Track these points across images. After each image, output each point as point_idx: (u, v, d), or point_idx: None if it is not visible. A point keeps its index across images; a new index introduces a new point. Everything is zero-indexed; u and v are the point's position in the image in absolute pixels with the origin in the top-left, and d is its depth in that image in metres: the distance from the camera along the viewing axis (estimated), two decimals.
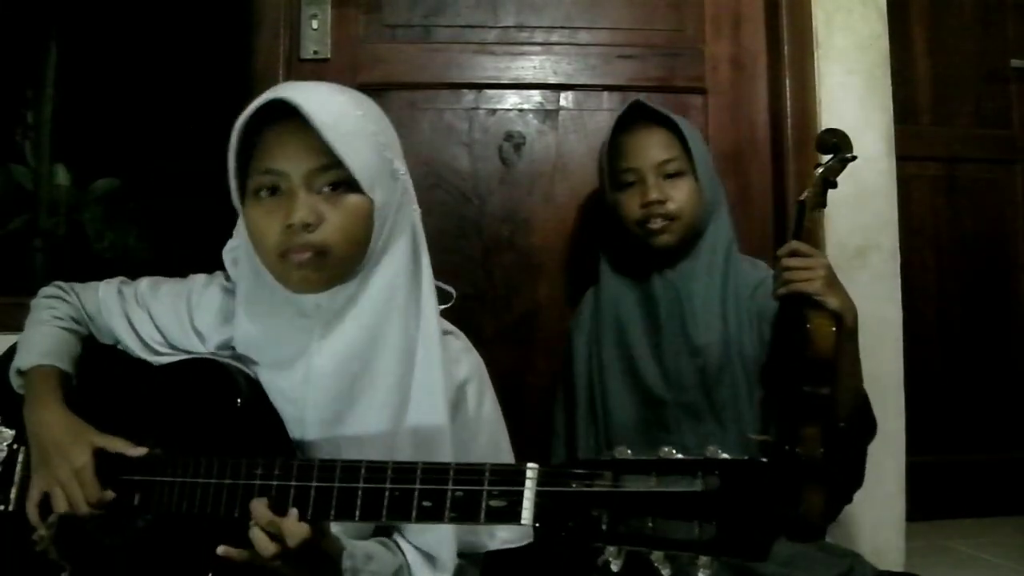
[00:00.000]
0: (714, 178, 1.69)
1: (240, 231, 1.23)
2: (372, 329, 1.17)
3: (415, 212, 1.24)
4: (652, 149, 1.65)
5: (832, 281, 1.47)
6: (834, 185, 1.57)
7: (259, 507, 0.99)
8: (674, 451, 0.80)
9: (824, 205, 1.57)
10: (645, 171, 1.64)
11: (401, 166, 1.21)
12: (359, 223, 1.14)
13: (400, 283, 1.19)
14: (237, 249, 1.26)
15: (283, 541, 0.97)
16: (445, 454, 1.15)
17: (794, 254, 1.49)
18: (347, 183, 1.12)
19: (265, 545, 0.98)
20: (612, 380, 1.67)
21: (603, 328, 1.71)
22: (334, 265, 1.14)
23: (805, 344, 1.43)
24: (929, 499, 2.39)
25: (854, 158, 1.57)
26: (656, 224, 1.62)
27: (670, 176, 1.64)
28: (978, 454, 2.70)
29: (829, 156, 1.57)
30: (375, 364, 1.17)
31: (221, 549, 1.01)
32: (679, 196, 1.62)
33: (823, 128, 1.69)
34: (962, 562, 2.25)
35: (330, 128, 1.09)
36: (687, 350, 1.61)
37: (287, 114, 1.10)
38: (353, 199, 1.13)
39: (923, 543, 2.26)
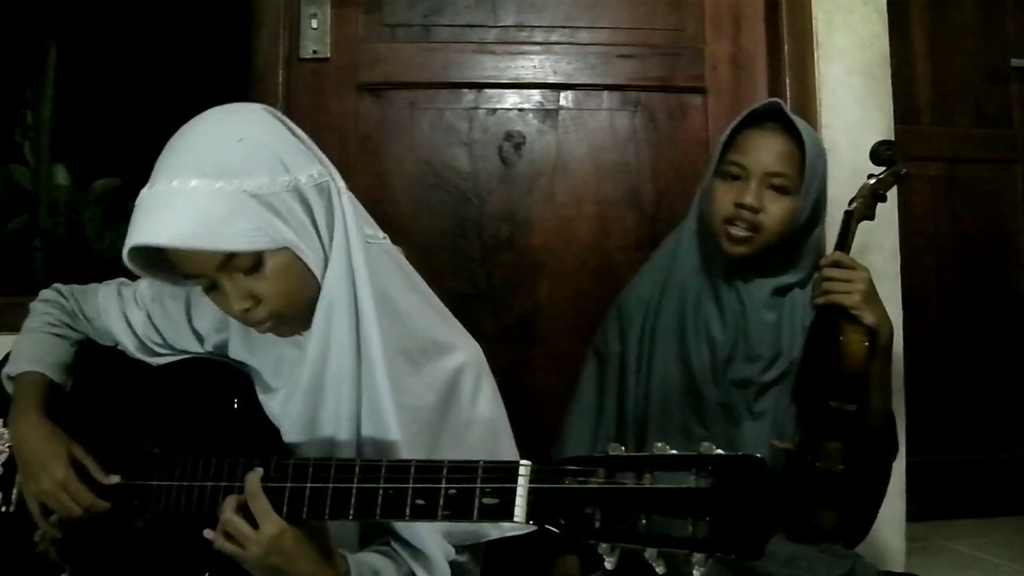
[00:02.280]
0: (818, 204, 1.60)
1: None
2: (323, 333, 1.13)
3: (339, 191, 1.15)
4: (769, 155, 1.56)
5: (871, 296, 1.45)
6: (884, 199, 1.56)
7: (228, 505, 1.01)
8: (668, 447, 0.80)
9: (872, 217, 1.56)
10: (753, 172, 1.56)
11: (299, 171, 1.11)
12: (291, 278, 1.10)
13: (337, 283, 1.13)
14: None
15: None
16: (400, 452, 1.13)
17: (836, 265, 1.48)
18: (253, 256, 1.08)
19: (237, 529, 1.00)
20: (662, 359, 1.62)
21: (665, 303, 1.65)
22: (295, 318, 1.13)
23: (837, 357, 1.42)
24: (929, 499, 2.39)
25: (907, 175, 1.55)
26: (739, 231, 1.55)
27: (775, 188, 1.56)
28: (978, 454, 2.69)
29: (882, 168, 1.56)
30: (329, 364, 1.14)
31: (208, 532, 1.02)
32: (774, 211, 1.55)
33: (881, 140, 1.63)
34: (962, 562, 2.25)
35: (194, 240, 1.03)
36: (743, 356, 1.58)
37: None
38: (271, 262, 1.09)
39: (923, 543, 2.26)
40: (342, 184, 1.16)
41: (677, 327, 1.63)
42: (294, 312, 1.12)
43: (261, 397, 1.19)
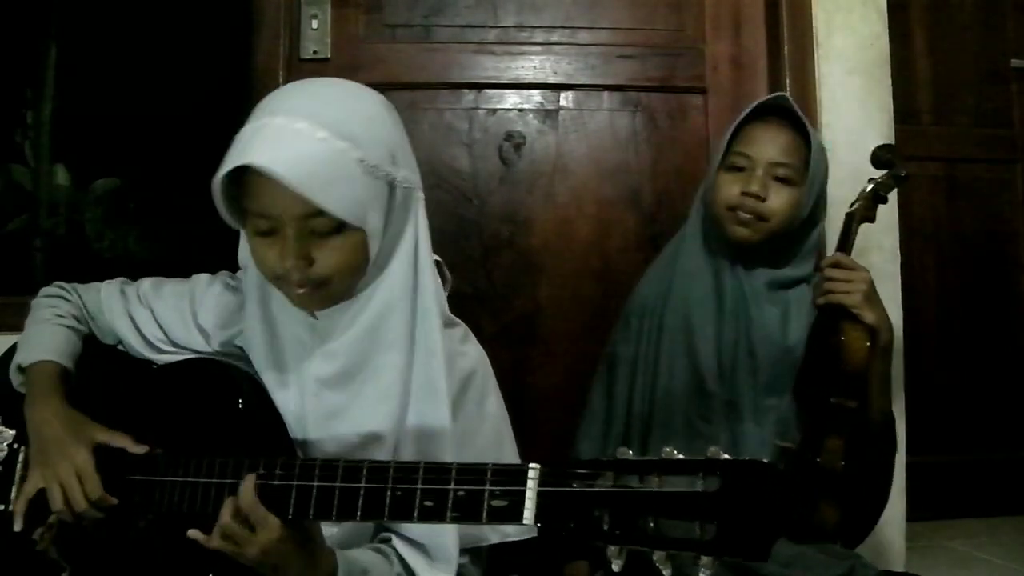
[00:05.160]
0: (820, 199, 1.63)
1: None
2: (372, 331, 1.16)
3: (418, 200, 1.20)
4: (774, 146, 1.59)
5: (871, 296, 1.47)
6: (884, 200, 1.57)
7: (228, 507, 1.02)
8: (675, 451, 0.80)
9: (872, 220, 1.57)
10: (758, 163, 1.58)
11: (401, 169, 1.14)
12: (354, 256, 1.11)
13: (399, 290, 1.17)
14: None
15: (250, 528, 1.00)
16: (447, 453, 1.15)
17: (837, 265, 1.49)
18: (337, 224, 1.09)
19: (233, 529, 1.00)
20: (668, 358, 1.64)
21: (671, 300, 1.67)
22: (334, 291, 1.13)
23: (838, 355, 1.44)
24: (929, 499, 2.39)
25: (907, 177, 1.57)
26: (744, 216, 1.57)
27: (779, 179, 1.58)
28: (978, 454, 2.70)
29: (883, 171, 1.57)
30: (375, 361, 1.17)
31: (191, 532, 1.02)
32: (778, 201, 1.57)
33: (880, 147, 1.65)
34: (962, 562, 2.25)
35: (305, 184, 1.03)
36: (746, 349, 1.59)
37: None
38: (345, 236, 1.10)
39: (923, 543, 2.26)
40: (422, 195, 1.20)
41: (683, 325, 1.64)
42: (337, 288, 1.13)
43: (280, 374, 1.19)
